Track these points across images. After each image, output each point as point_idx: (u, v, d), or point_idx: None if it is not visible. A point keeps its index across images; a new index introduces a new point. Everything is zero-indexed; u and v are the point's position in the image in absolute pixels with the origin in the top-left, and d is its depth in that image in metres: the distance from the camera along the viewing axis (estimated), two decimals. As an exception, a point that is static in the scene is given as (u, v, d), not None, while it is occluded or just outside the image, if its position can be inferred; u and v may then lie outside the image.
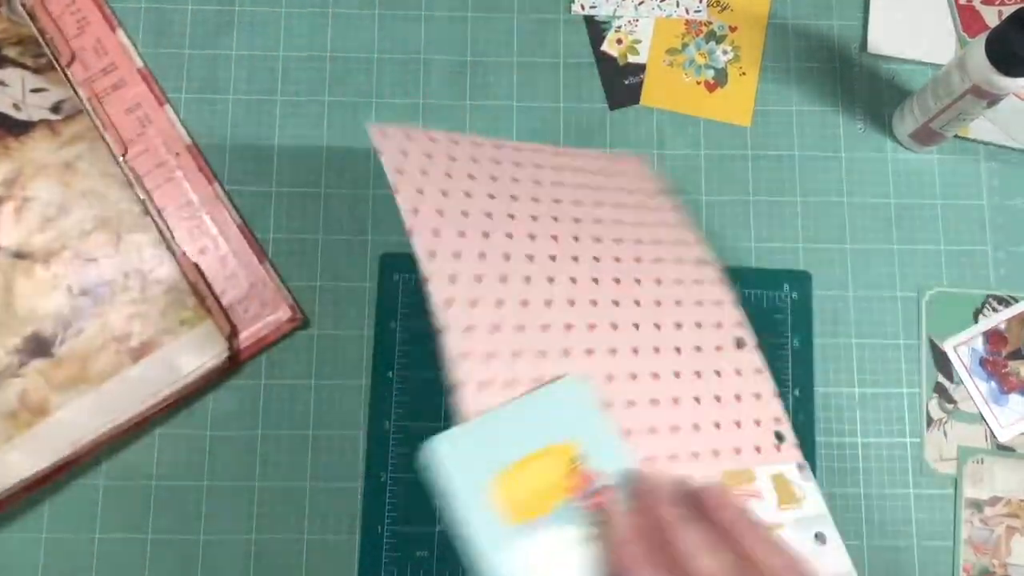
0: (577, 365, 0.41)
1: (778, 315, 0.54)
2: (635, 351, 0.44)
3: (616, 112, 0.57)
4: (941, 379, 0.54)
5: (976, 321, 0.55)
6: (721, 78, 0.57)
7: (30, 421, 0.49)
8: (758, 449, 0.44)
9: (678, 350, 0.45)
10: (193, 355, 0.50)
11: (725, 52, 0.58)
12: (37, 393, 0.49)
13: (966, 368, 0.54)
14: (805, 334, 0.54)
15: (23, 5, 0.55)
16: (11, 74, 0.54)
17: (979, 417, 0.53)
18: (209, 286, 0.53)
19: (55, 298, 0.51)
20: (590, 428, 0.38)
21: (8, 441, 0.48)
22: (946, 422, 0.53)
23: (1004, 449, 0.53)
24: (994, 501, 0.52)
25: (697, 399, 0.44)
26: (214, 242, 0.54)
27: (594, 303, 0.44)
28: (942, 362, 0.54)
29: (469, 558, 0.35)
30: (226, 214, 0.54)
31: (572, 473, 0.37)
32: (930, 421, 0.53)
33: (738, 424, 0.45)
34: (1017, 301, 0.55)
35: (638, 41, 0.58)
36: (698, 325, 0.46)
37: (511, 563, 0.34)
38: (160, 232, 0.53)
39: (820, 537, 0.44)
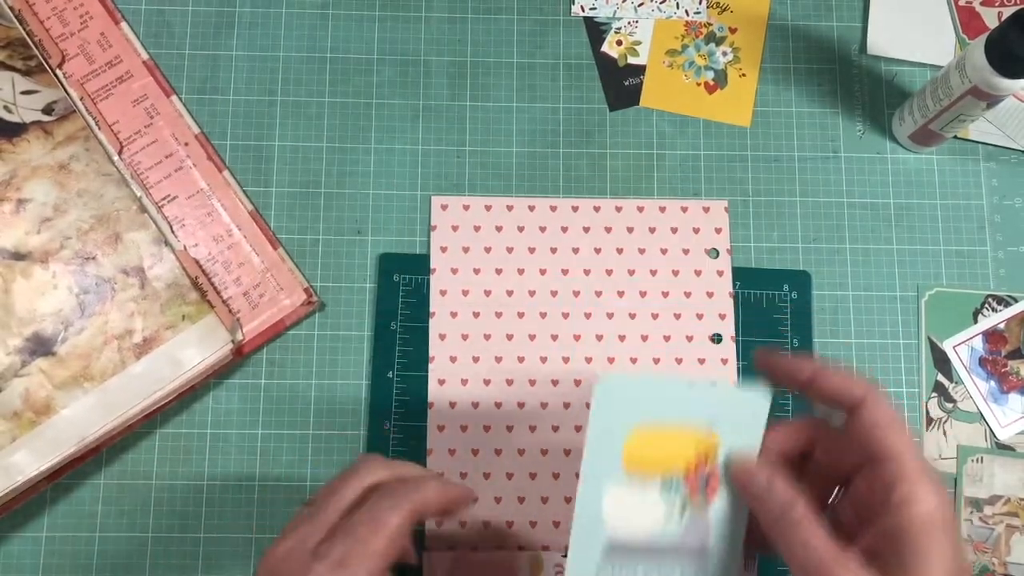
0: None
1: (777, 315, 0.54)
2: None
3: (616, 113, 0.57)
4: (940, 378, 0.54)
5: (975, 321, 0.55)
6: (721, 79, 0.58)
7: (34, 420, 0.49)
8: None
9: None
10: (196, 349, 0.51)
11: (725, 53, 0.58)
12: (40, 392, 0.49)
13: (965, 368, 0.54)
14: (805, 334, 0.54)
15: (11, 8, 0.55)
16: (1, 77, 0.54)
17: (979, 416, 0.54)
18: (210, 279, 0.53)
19: (55, 297, 0.51)
20: (741, 440, 0.41)
21: (13, 441, 0.48)
22: (946, 421, 0.53)
23: (1004, 448, 0.53)
24: (994, 500, 0.52)
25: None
26: (226, 229, 0.54)
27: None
28: (941, 362, 0.54)
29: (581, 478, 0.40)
30: (237, 201, 0.54)
31: (697, 457, 0.41)
32: (930, 420, 0.53)
33: None
34: (1016, 301, 0.55)
35: (638, 43, 0.58)
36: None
37: (608, 496, 0.40)
38: (159, 228, 0.53)
39: None
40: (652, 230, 0.55)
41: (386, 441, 0.52)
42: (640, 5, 0.58)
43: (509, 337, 0.53)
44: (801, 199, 0.56)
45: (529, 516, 0.51)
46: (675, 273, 0.54)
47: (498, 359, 0.53)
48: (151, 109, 0.55)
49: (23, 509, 0.51)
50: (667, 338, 0.53)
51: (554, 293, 0.54)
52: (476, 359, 0.53)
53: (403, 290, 0.54)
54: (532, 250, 0.54)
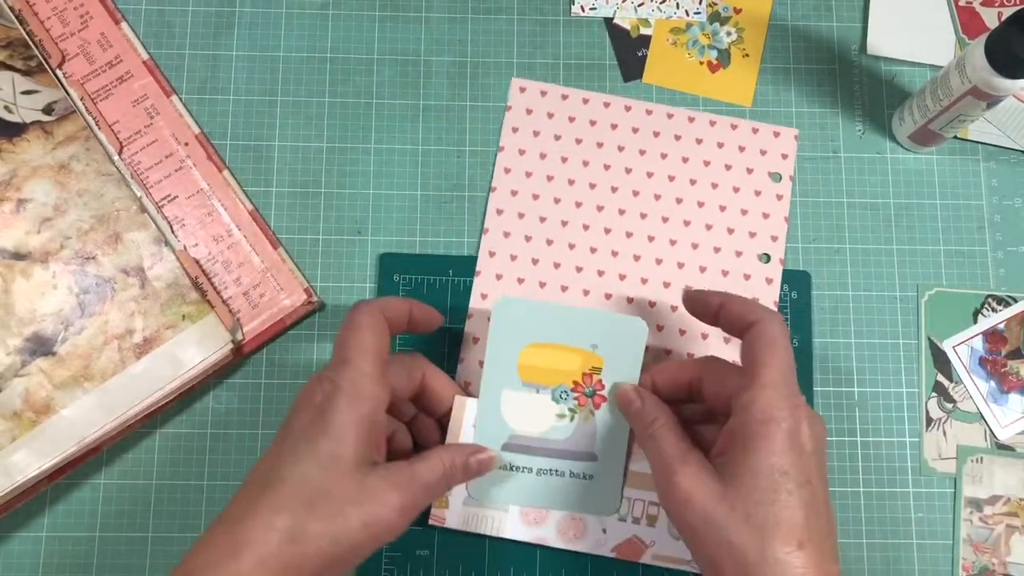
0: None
1: (778, 315, 0.54)
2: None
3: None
4: (940, 378, 0.54)
5: (975, 321, 0.55)
6: (724, 59, 0.58)
7: (34, 420, 0.49)
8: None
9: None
10: (197, 348, 0.51)
11: (729, 33, 0.58)
12: (41, 392, 0.49)
13: (965, 368, 0.54)
14: (804, 334, 0.54)
15: (11, 8, 0.55)
16: (2, 77, 0.54)
17: (978, 416, 0.54)
18: (210, 279, 0.53)
19: (55, 297, 0.51)
20: (623, 361, 0.49)
21: (13, 441, 0.48)
22: (945, 421, 0.53)
23: (1003, 448, 0.53)
24: (993, 500, 0.52)
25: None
26: (226, 229, 0.54)
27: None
28: (941, 362, 0.54)
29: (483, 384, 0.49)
30: (237, 201, 0.54)
31: (583, 372, 0.49)
32: (929, 420, 0.53)
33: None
34: (1016, 301, 0.55)
35: (645, 21, 0.58)
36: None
37: (506, 399, 0.49)
38: (159, 228, 0.53)
39: None
40: (720, 145, 0.56)
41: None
42: (640, 5, 0.58)
43: (564, 223, 0.55)
44: (801, 199, 0.56)
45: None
46: (735, 190, 0.55)
47: (556, 264, 0.54)
48: (151, 109, 0.55)
49: (23, 509, 0.51)
50: (717, 249, 0.54)
51: (614, 189, 0.55)
52: (535, 261, 0.54)
53: (403, 290, 0.54)
54: (600, 145, 0.56)
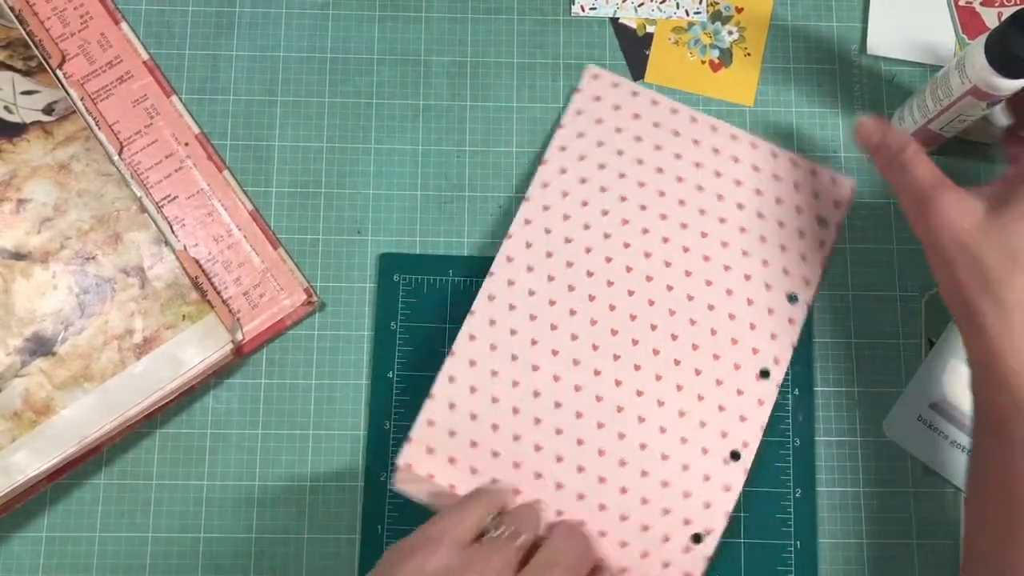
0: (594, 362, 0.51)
1: (778, 315, 0.54)
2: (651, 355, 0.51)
3: (616, 112, 0.57)
4: (941, 379, 0.54)
5: (975, 321, 0.55)
6: (726, 58, 0.58)
7: (35, 420, 0.49)
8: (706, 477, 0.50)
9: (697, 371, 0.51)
10: (197, 349, 0.51)
11: (731, 32, 0.58)
12: (40, 392, 0.49)
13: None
14: (804, 333, 0.54)
15: (11, 8, 0.55)
16: (2, 77, 0.54)
17: (978, 417, 0.54)
18: (210, 279, 0.53)
19: (55, 297, 0.51)
20: None
21: (13, 441, 0.48)
22: (946, 422, 0.54)
23: (1003, 449, 0.53)
24: (994, 500, 0.52)
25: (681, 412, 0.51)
26: (226, 229, 0.54)
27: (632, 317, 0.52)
28: (941, 362, 0.54)
29: None
30: (237, 201, 0.54)
31: None
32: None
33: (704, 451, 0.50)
34: (1016, 301, 0.55)
35: (652, 20, 0.59)
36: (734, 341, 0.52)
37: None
38: (159, 228, 0.53)
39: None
40: (776, 177, 0.54)
41: (386, 441, 0.52)
42: (640, 6, 0.58)
43: (607, 235, 0.53)
44: (801, 199, 0.56)
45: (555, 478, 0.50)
46: (780, 224, 0.53)
47: (590, 273, 0.52)
48: (151, 109, 0.55)
49: (23, 509, 0.51)
50: (747, 277, 0.52)
51: (661, 193, 0.53)
52: (569, 264, 0.52)
53: (403, 290, 0.54)
54: (658, 148, 0.54)
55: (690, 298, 0.52)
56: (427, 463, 0.49)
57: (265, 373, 0.53)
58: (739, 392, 0.50)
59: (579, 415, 0.50)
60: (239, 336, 0.52)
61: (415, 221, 0.55)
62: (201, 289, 0.52)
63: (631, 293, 0.52)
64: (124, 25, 0.56)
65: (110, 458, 0.52)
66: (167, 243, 0.53)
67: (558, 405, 0.50)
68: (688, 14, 0.58)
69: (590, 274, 0.52)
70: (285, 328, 0.53)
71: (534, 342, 0.51)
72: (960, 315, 0.44)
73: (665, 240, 0.52)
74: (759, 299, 0.52)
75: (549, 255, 0.52)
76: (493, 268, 0.52)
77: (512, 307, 0.51)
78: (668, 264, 0.52)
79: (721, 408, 0.50)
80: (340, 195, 0.56)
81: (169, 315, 0.51)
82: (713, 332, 0.51)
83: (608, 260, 0.52)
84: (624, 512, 0.49)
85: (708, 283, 0.52)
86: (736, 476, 0.49)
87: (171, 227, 0.53)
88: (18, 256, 0.52)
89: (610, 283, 0.52)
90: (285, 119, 0.56)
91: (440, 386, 0.50)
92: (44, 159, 0.53)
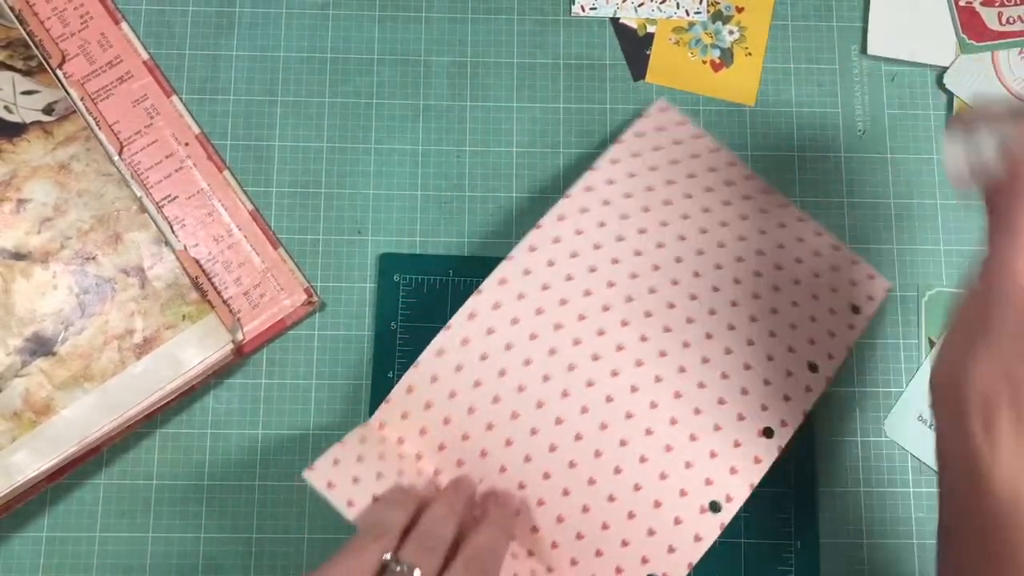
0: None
1: (778, 315, 0.54)
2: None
3: (616, 113, 0.57)
4: (941, 379, 0.54)
5: (975, 321, 0.55)
6: (727, 58, 0.58)
7: (35, 420, 0.49)
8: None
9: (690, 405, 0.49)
10: (197, 349, 0.51)
11: (731, 32, 0.58)
12: (40, 392, 0.49)
13: (966, 368, 0.54)
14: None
15: (11, 8, 0.55)
16: (2, 77, 0.54)
17: (979, 417, 0.53)
18: (210, 279, 0.53)
19: (55, 297, 0.51)
20: None
21: (13, 441, 0.48)
22: (946, 422, 0.53)
23: (1003, 449, 0.53)
24: (994, 500, 0.52)
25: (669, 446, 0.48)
26: (226, 229, 0.54)
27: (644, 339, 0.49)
28: (942, 362, 0.54)
29: None
30: (237, 201, 0.54)
31: None
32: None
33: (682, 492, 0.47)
34: (1016, 301, 0.55)
35: (652, 20, 0.59)
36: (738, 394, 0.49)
37: None
38: (159, 228, 0.53)
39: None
40: (816, 254, 0.52)
41: (386, 441, 0.52)
42: (640, 6, 0.58)
43: (638, 252, 0.51)
44: (801, 199, 0.56)
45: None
46: (815, 297, 0.51)
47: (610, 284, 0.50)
48: (151, 109, 0.55)
49: (23, 509, 0.51)
50: (772, 334, 0.50)
51: (682, 237, 0.51)
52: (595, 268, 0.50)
53: (403, 290, 0.54)
54: (709, 190, 0.52)
55: (708, 336, 0.49)
56: (399, 427, 0.48)
57: (265, 373, 0.53)
58: (736, 444, 0.47)
59: (559, 421, 0.48)
60: (239, 336, 0.52)
61: (415, 221, 0.55)
62: (201, 289, 0.52)
63: (648, 315, 0.49)
64: (124, 25, 0.56)
65: (110, 458, 0.52)
66: (167, 243, 0.53)
67: (540, 405, 0.48)
68: (688, 14, 0.58)
69: (611, 285, 0.50)
70: (285, 328, 0.53)
71: (533, 336, 0.49)
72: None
73: (696, 275, 0.50)
74: (779, 358, 0.49)
75: (574, 255, 0.50)
76: (513, 252, 0.50)
77: (522, 296, 0.49)
78: (693, 298, 0.50)
79: (712, 454, 0.47)
80: (340, 195, 0.56)
81: (169, 315, 0.51)
82: (724, 376, 0.48)
83: (633, 276, 0.50)
84: (581, 531, 0.46)
85: (730, 327, 0.49)
86: (711, 528, 0.46)
87: (171, 227, 0.53)
88: (18, 256, 0.52)
89: (629, 299, 0.49)
90: (285, 119, 0.56)
91: (427, 356, 0.48)
92: (44, 159, 0.53)
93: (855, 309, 0.51)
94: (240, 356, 0.52)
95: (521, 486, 0.47)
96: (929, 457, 0.53)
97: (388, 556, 0.41)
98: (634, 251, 0.50)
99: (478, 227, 0.55)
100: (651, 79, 0.57)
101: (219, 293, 0.53)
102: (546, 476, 0.47)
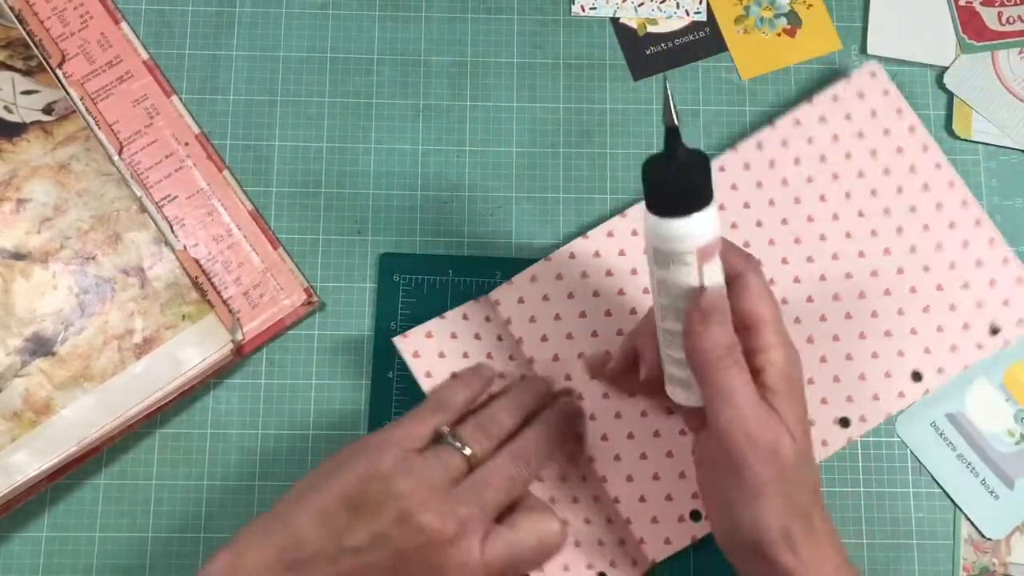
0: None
1: (778, 315, 0.54)
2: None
3: (616, 112, 0.57)
4: (941, 379, 0.54)
5: (975, 321, 0.55)
6: (795, 20, 0.58)
7: (34, 420, 0.49)
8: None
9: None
10: (196, 349, 0.51)
11: None
12: (40, 392, 0.49)
13: (966, 368, 0.54)
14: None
15: (11, 8, 0.55)
16: (2, 77, 0.54)
17: (979, 417, 0.54)
18: (210, 279, 0.53)
19: (55, 297, 0.51)
20: None
21: (13, 441, 0.48)
22: (946, 422, 0.53)
23: (1003, 449, 0.53)
24: (994, 500, 0.52)
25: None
26: (226, 229, 0.54)
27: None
28: (942, 362, 0.54)
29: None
30: (237, 200, 0.54)
31: None
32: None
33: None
34: (1016, 301, 0.55)
35: (653, 20, 0.58)
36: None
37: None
38: (159, 228, 0.53)
39: None
40: (979, 264, 0.53)
41: (386, 441, 0.52)
42: (640, 5, 0.58)
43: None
44: (801, 199, 0.56)
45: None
46: (965, 286, 0.53)
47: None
48: (151, 109, 0.55)
49: (23, 509, 0.50)
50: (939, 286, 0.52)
51: (836, 216, 0.53)
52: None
53: (403, 290, 0.54)
54: (888, 172, 0.53)
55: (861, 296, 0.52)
56: (512, 309, 0.51)
57: (265, 373, 0.53)
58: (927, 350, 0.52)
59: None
60: (239, 336, 0.52)
61: (415, 221, 0.55)
62: (201, 289, 0.52)
63: (812, 258, 0.52)
64: (124, 25, 0.56)
65: (110, 458, 0.52)
66: (167, 243, 0.53)
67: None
68: (688, 14, 0.58)
69: (771, 243, 0.52)
70: (285, 328, 0.53)
71: (570, 336, 0.51)
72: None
73: (848, 235, 0.52)
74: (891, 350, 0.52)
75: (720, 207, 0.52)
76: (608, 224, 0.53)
77: (585, 274, 0.52)
78: (834, 257, 0.52)
79: (862, 377, 0.51)
80: (340, 195, 0.56)
81: (169, 315, 0.51)
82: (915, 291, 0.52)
83: (797, 241, 0.52)
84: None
85: (847, 316, 0.52)
86: (838, 439, 0.51)
87: (171, 227, 0.53)
88: (18, 256, 0.52)
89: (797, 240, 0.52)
90: (285, 119, 0.56)
91: (453, 314, 0.52)
92: (44, 159, 0.53)
93: (994, 331, 0.52)
94: (240, 356, 0.52)
95: None
96: (934, 465, 0.53)
97: (445, 429, 0.44)
98: (780, 219, 0.52)
99: (478, 227, 0.55)
100: (746, 76, 0.57)
101: (219, 293, 0.53)
102: None
